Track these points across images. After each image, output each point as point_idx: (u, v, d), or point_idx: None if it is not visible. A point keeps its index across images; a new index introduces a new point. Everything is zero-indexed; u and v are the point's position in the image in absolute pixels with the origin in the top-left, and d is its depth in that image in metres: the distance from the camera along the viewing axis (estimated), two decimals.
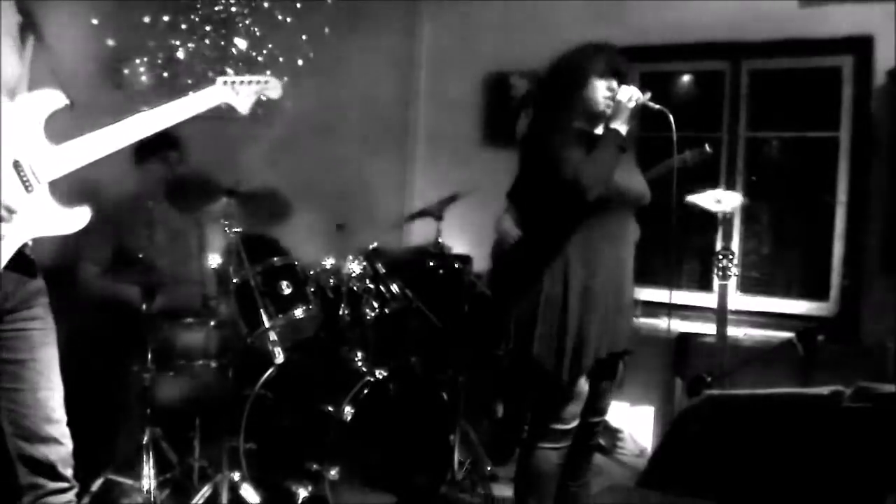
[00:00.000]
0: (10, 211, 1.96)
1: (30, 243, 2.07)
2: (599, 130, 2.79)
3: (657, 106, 2.75)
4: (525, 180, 2.87)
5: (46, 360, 2.08)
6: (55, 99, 2.10)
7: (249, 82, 2.37)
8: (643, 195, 2.84)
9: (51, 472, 2.05)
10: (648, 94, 2.76)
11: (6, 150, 1.99)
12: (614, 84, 2.76)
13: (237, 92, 2.34)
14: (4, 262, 1.98)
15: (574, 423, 2.80)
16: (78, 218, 2.11)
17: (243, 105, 2.37)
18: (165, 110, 2.19)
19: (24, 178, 2.03)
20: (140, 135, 2.16)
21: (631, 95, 2.72)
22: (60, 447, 2.06)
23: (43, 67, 2.15)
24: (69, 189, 2.14)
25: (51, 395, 2.07)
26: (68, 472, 2.09)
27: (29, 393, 2.03)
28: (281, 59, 4.34)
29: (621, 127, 2.71)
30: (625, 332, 2.82)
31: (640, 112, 2.77)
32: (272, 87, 2.43)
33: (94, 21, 3.87)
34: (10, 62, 2.05)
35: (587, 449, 2.99)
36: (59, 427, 2.08)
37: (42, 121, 2.09)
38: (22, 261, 2.04)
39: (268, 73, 2.45)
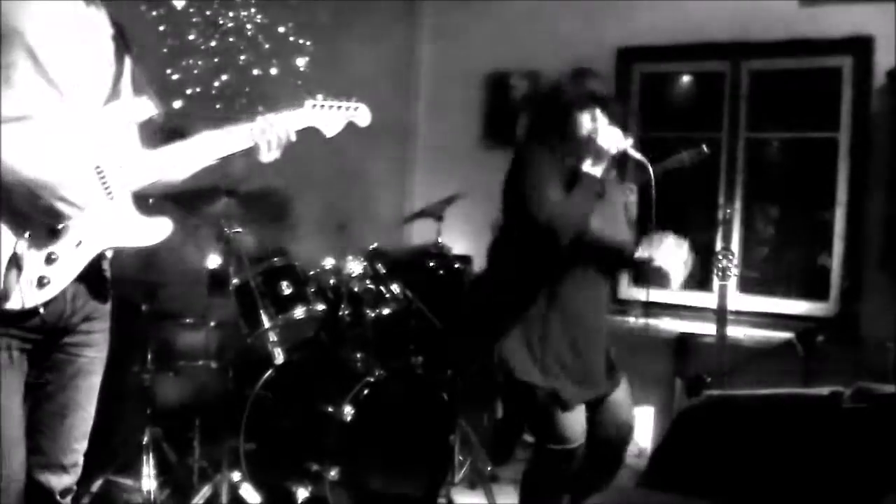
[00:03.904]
0: (73, 205, 1.84)
1: (108, 256, 1.99)
2: (565, 163, 2.71)
3: (638, 155, 2.66)
4: (504, 212, 2.81)
5: (86, 388, 2.01)
6: (146, 107, 2.03)
7: (339, 107, 2.26)
8: (625, 246, 2.78)
9: (47, 499, 1.96)
10: (631, 141, 2.66)
11: (89, 155, 1.91)
12: (598, 114, 2.68)
13: (324, 117, 2.23)
14: (80, 269, 1.89)
15: (578, 443, 2.75)
16: (159, 229, 2.02)
17: (330, 130, 2.26)
18: (252, 126, 2.10)
19: (106, 185, 1.93)
20: (230, 149, 2.08)
21: (612, 141, 2.62)
22: (65, 477, 1.98)
23: (137, 80, 2.08)
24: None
25: (80, 424, 2.00)
26: (65, 501, 2.00)
27: (58, 417, 1.95)
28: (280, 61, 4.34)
29: (598, 172, 2.62)
30: (600, 378, 2.81)
31: (624, 157, 2.69)
32: (361, 115, 2.31)
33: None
34: (104, 72, 1.99)
35: (605, 472, 2.92)
36: (74, 456, 2.00)
37: (133, 128, 2.03)
38: (96, 276, 1.96)
39: (354, 98, 2.32)
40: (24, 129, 1.79)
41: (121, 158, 1.96)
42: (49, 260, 1.81)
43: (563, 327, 2.72)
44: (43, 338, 1.88)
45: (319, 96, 2.23)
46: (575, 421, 2.73)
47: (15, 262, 1.75)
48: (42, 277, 1.79)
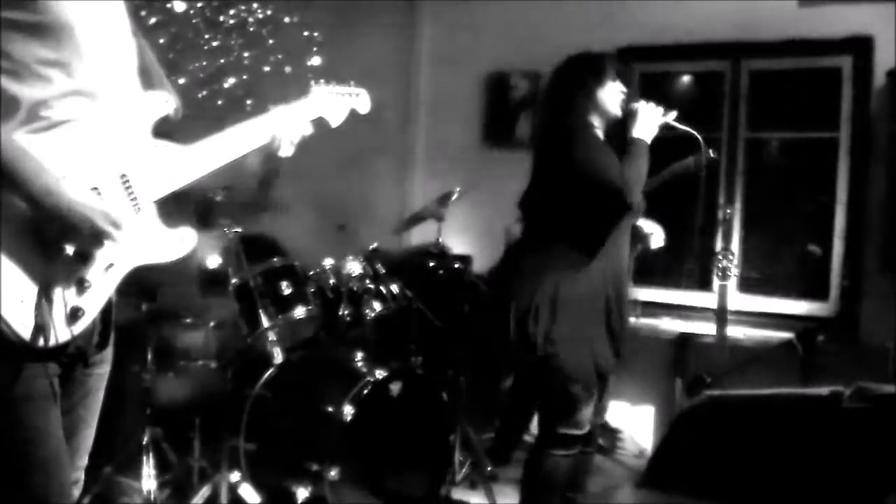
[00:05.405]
0: (116, 225, 1.63)
1: None
2: (599, 132, 2.78)
3: (683, 127, 2.78)
4: (545, 183, 2.81)
5: (91, 405, 1.89)
6: (166, 102, 1.86)
7: (342, 94, 2.16)
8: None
9: None
10: (674, 113, 2.79)
11: (112, 162, 1.71)
12: (624, 88, 2.78)
13: (330, 104, 2.13)
14: (111, 293, 1.72)
15: (588, 428, 2.81)
16: (184, 241, 1.85)
17: (335, 119, 2.15)
18: (269, 119, 2.00)
19: (133, 196, 1.73)
20: (250, 146, 1.96)
21: (661, 112, 2.75)
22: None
23: (154, 73, 1.90)
24: None
25: (84, 441, 1.90)
26: None
27: (65, 437, 1.81)
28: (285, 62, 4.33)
29: (648, 139, 2.74)
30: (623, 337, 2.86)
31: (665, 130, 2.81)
32: (362, 101, 2.23)
33: None
34: (128, 67, 1.80)
35: (589, 453, 3.00)
36: (77, 474, 1.91)
37: (150, 126, 1.83)
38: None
39: (352, 83, 2.23)
40: (67, 136, 1.63)
41: (144, 164, 1.77)
42: (81, 288, 1.64)
43: (603, 303, 2.73)
44: (70, 360, 1.76)
45: (322, 81, 2.17)
46: (590, 406, 2.78)
47: (46, 294, 1.57)
48: (76, 309, 1.63)
